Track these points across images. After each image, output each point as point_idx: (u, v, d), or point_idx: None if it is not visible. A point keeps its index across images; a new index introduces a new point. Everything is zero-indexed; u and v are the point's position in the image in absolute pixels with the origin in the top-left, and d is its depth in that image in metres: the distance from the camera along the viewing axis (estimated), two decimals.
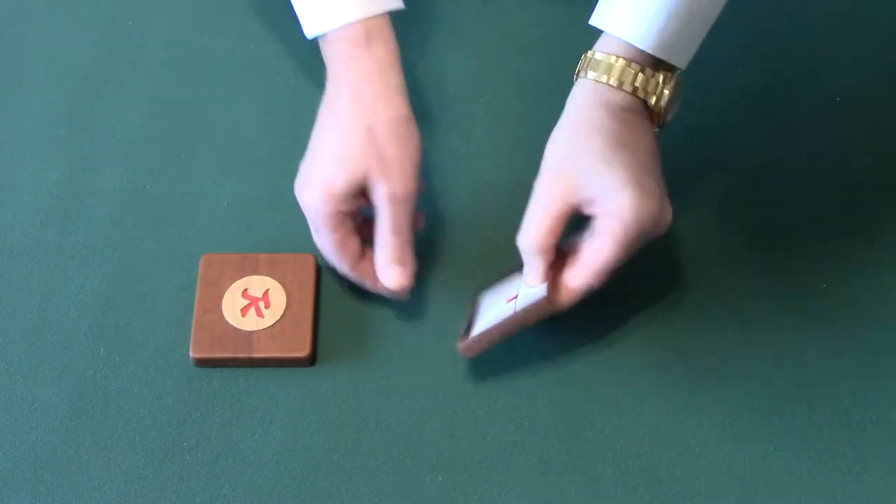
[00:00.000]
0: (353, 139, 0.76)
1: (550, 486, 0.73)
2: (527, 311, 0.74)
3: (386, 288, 0.77)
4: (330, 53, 0.80)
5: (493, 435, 0.75)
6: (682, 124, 0.93)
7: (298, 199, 0.78)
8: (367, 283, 0.78)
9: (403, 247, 0.77)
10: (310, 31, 0.80)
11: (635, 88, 0.75)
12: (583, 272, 0.73)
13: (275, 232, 0.84)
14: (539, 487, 0.73)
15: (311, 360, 0.77)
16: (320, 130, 0.78)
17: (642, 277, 0.83)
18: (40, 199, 0.85)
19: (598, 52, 0.76)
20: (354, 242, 0.77)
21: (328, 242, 0.77)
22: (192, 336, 0.77)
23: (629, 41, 0.75)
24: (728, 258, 0.85)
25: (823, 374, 0.79)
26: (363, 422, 0.75)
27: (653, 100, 0.76)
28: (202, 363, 0.77)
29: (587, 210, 0.73)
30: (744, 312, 0.82)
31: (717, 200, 0.88)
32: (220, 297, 0.78)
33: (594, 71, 0.76)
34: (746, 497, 0.73)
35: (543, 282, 0.74)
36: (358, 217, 0.78)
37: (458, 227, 0.85)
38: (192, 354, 0.76)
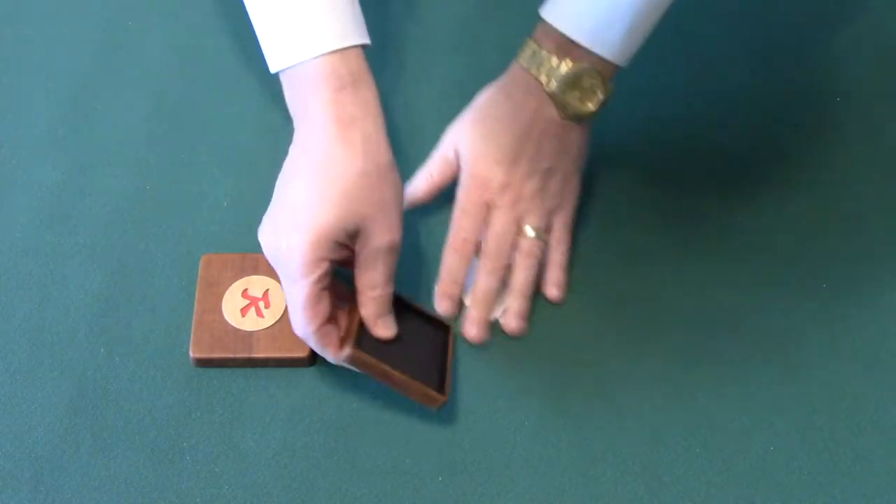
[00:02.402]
0: (347, 182, 0.69)
1: (550, 486, 0.73)
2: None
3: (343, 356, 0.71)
4: (304, 95, 0.72)
5: (493, 435, 0.75)
6: (682, 124, 0.94)
7: (274, 245, 0.72)
8: (329, 353, 0.71)
9: (391, 296, 0.73)
10: (278, 65, 0.73)
11: (529, 65, 0.79)
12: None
13: None
14: (539, 487, 0.73)
15: (311, 360, 0.77)
16: (299, 175, 0.71)
17: (641, 277, 0.83)
18: (40, 199, 0.85)
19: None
20: (328, 300, 0.71)
21: (304, 296, 0.69)
22: (192, 336, 0.77)
23: (541, 15, 0.79)
24: (727, 257, 0.85)
25: (823, 374, 0.79)
26: (363, 422, 0.75)
27: (543, 80, 0.78)
28: (202, 363, 0.77)
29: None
30: (743, 312, 0.82)
31: (717, 199, 0.88)
32: (220, 297, 0.78)
33: (520, 51, 0.80)
34: (746, 497, 0.73)
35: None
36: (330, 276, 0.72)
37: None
38: (192, 354, 0.76)
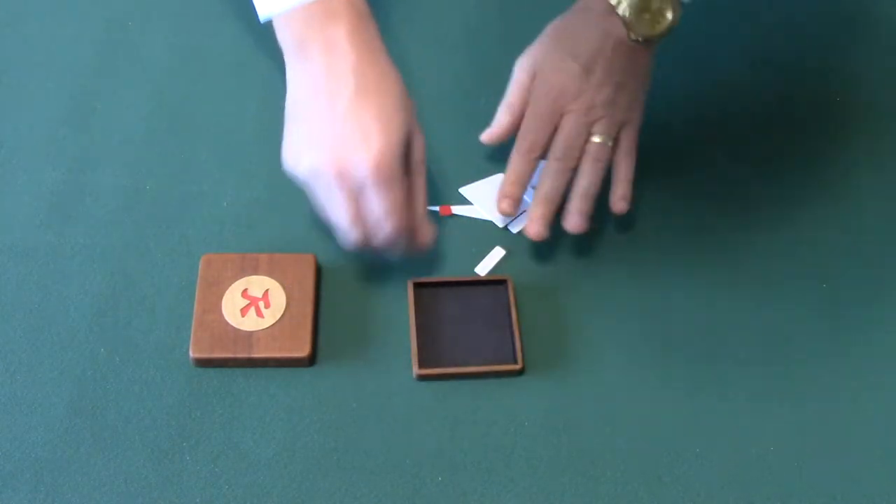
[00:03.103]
0: (398, 98, 0.76)
1: (550, 486, 0.73)
2: None
3: (420, 244, 0.79)
4: (322, 28, 0.75)
5: (493, 435, 0.75)
6: (681, 123, 0.94)
7: (339, 160, 0.73)
8: (401, 244, 0.77)
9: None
10: (276, 8, 0.76)
11: None
12: None
13: (275, 232, 0.84)
14: (539, 487, 0.73)
15: (311, 360, 0.77)
16: (343, 97, 0.75)
17: (641, 277, 0.83)
18: (40, 199, 0.85)
19: None
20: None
21: (391, 202, 0.74)
22: (192, 336, 0.77)
23: None
24: (727, 257, 0.85)
25: (823, 374, 0.79)
26: (363, 422, 0.75)
27: (614, 1, 0.79)
28: (202, 363, 0.77)
29: None
30: (743, 312, 0.82)
31: (716, 199, 0.88)
32: (220, 297, 0.78)
33: None
34: (746, 497, 0.73)
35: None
36: None
37: (457, 227, 0.85)
38: (192, 354, 0.76)
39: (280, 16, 0.76)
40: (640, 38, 0.80)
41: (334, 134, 0.74)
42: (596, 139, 0.81)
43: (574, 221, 0.81)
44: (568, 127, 0.81)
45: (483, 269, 0.83)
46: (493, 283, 0.81)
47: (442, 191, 0.87)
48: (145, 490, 0.71)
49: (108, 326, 0.79)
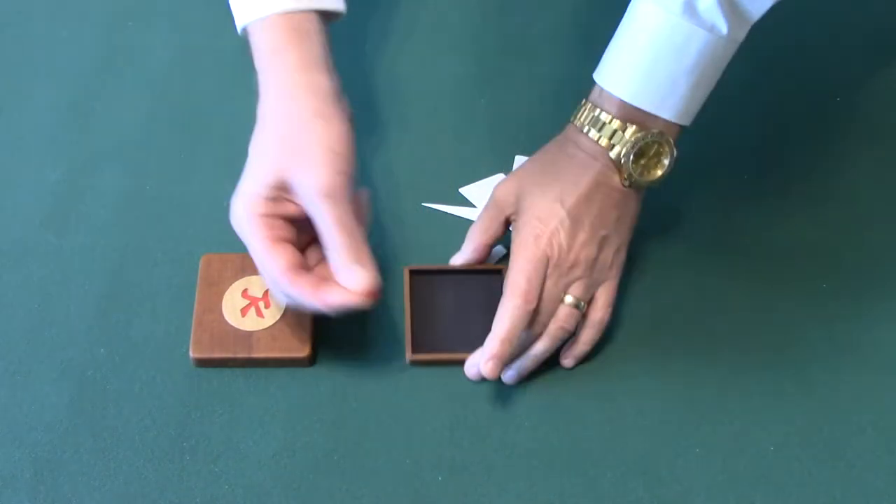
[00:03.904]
0: (264, 134, 0.74)
1: (550, 486, 0.73)
2: None
3: (344, 299, 0.70)
4: (254, 48, 0.77)
5: (493, 435, 0.75)
6: None
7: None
8: (305, 298, 0.70)
9: (356, 245, 0.70)
10: (239, 22, 0.77)
11: (588, 128, 0.77)
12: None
13: None
14: (539, 487, 0.73)
15: (311, 360, 0.77)
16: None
17: (641, 277, 0.83)
18: (40, 199, 0.85)
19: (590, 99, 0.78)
20: (286, 249, 0.71)
21: (256, 251, 0.71)
22: (192, 336, 0.77)
23: (598, 82, 0.77)
24: (727, 258, 0.85)
25: (823, 374, 0.79)
26: (363, 422, 0.75)
27: (604, 143, 0.76)
28: (202, 363, 0.77)
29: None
30: (743, 312, 0.82)
31: (716, 200, 0.88)
32: (220, 297, 0.78)
33: (575, 113, 0.79)
34: (746, 497, 0.73)
35: (463, 259, 0.81)
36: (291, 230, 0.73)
37: (456, 227, 0.85)
38: (192, 354, 0.76)
39: (252, 24, 0.76)
40: (632, 185, 0.77)
41: None
42: (569, 300, 0.76)
43: (510, 376, 0.76)
44: (548, 286, 0.75)
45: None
46: (489, 272, 0.81)
47: (442, 191, 0.87)
48: (145, 490, 0.71)
49: (108, 326, 0.79)
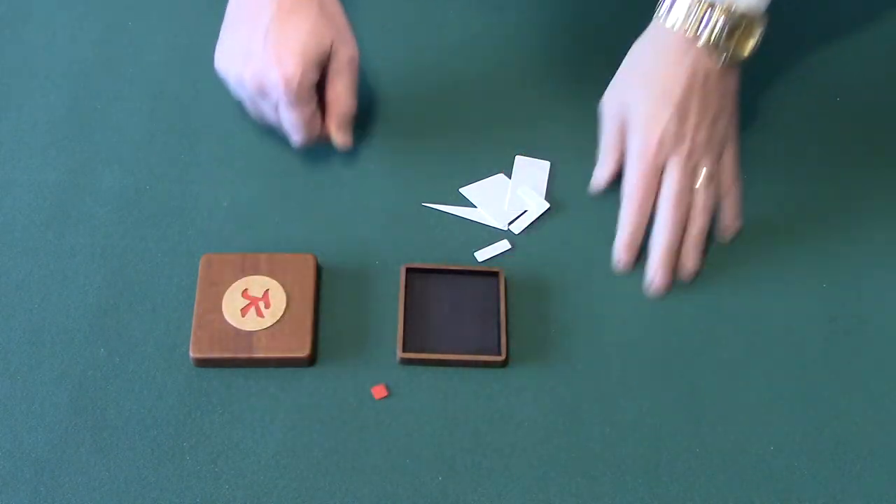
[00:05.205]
0: (311, 10, 0.82)
1: (550, 486, 0.73)
2: None
3: (339, 144, 0.87)
4: None
5: (493, 435, 0.75)
6: None
7: (258, 77, 0.81)
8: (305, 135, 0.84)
9: (353, 109, 0.86)
10: None
11: (674, 20, 0.81)
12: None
13: (275, 232, 0.84)
14: (539, 487, 0.73)
15: (311, 360, 0.77)
16: (260, 13, 0.82)
17: (641, 277, 0.83)
18: (40, 199, 0.85)
19: None
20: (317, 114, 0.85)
21: (302, 114, 0.82)
22: (192, 336, 0.77)
23: None
24: (727, 258, 0.85)
25: (823, 374, 0.79)
26: (363, 422, 0.75)
27: (694, 32, 0.80)
28: (202, 363, 0.77)
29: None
30: (743, 312, 0.82)
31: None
32: (220, 297, 0.78)
33: (658, 9, 0.83)
34: (746, 497, 0.73)
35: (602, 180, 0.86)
36: None
37: (457, 227, 0.85)
38: (192, 354, 0.76)
39: None
40: (728, 62, 0.81)
41: (256, 50, 0.81)
42: (701, 182, 0.82)
43: (689, 270, 0.83)
44: (674, 176, 0.82)
45: (483, 255, 0.83)
46: (486, 273, 0.81)
47: (442, 191, 0.87)
48: (145, 490, 0.71)
49: (108, 326, 0.79)
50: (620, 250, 0.83)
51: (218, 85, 0.93)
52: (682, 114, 0.81)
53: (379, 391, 0.76)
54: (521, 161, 0.89)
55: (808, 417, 0.77)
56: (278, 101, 0.82)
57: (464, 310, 0.80)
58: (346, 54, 0.83)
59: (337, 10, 0.84)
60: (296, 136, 0.84)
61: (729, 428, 0.76)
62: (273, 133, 0.89)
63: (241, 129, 0.90)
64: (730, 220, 0.85)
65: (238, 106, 0.92)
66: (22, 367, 0.76)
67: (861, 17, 1.02)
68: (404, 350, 0.77)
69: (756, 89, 0.95)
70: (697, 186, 0.82)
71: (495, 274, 0.81)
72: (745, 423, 0.76)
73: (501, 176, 0.88)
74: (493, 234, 0.85)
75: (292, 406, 0.76)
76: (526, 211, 0.86)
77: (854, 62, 0.99)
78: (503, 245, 0.84)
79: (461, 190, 0.87)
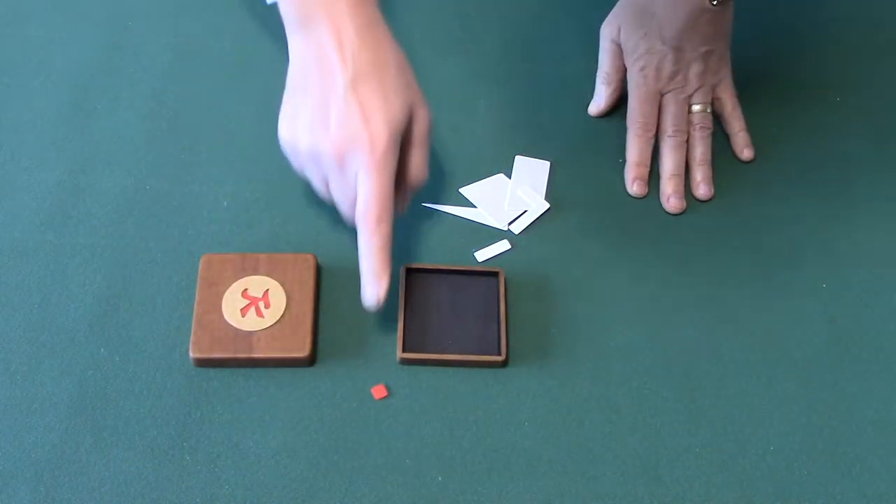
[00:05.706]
0: (388, 71, 0.75)
1: (550, 486, 0.73)
2: None
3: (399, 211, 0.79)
4: (320, 7, 0.76)
5: (492, 435, 0.75)
6: None
7: (338, 143, 0.74)
8: (370, 244, 0.75)
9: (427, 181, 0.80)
10: None
11: None
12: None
13: (275, 232, 0.84)
14: (539, 487, 0.73)
15: (311, 360, 0.77)
16: (335, 75, 0.74)
17: (641, 277, 0.83)
18: (40, 199, 0.85)
19: None
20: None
21: (387, 184, 0.74)
22: (192, 336, 0.77)
23: None
24: (727, 257, 0.85)
25: (823, 374, 0.79)
26: (363, 422, 0.75)
27: None
28: (202, 363, 0.77)
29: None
30: (743, 312, 0.82)
31: (716, 199, 0.88)
32: (220, 297, 0.78)
33: None
34: (746, 497, 0.73)
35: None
36: None
37: (457, 228, 0.85)
38: (192, 354, 0.76)
39: None
40: (719, 1, 0.85)
41: (335, 115, 0.74)
42: (697, 108, 0.89)
43: (703, 190, 0.88)
44: (671, 106, 0.88)
45: (483, 255, 0.83)
46: (486, 274, 0.81)
47: (442, 191, 0.87)
48: (145, 490, 0.71)
49: (108, 326, 0.79)
50: (628, 170, 0.88)
51: (218, 85, 0.93)
52: (677, 49, 0.87)
53: (379, 391, 0.76)
54: (521, 161, 0.89)
55: (808, 417, 0.77)
56: (359, 168, 0.74)
57: (464, 310, 0.80)
58: (425, 119, 0.77)
59: (410, 70, 0.77)
60: (371, 208, 0.74)
61: (729, 428, 0.76)
62: (273, 133, 0.89)
63: (241, 129, 0.90)
64: (742, 142, 0.90)
65: (238, 106, 0.92)
66: (22, 367, 0.76)
67: (861, 17, 1.02)
68: (404, 350, 0.77)
69: (756, 89, 0.95)
70: (695, 111, 0.89)
71: (495, 274, 0.81)
72: (745, 423, 0.76)
73: (501, 176, 0.88)
74: (493, 234, 0.85)
75: (292, 406, 0.76)
76: (526, 211, 0.86)
77: (854, 62, 0.99)
78: (503, 245, 0.84)
79: (461, 190, 0.87)
